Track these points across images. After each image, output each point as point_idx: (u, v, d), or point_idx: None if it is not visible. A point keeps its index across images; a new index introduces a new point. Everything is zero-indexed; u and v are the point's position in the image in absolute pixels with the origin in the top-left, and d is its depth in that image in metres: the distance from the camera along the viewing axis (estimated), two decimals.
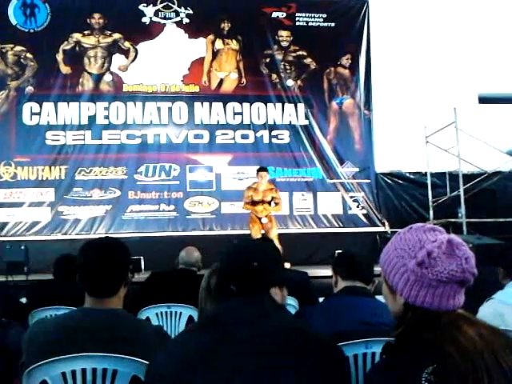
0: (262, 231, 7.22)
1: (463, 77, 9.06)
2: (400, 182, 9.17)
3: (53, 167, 8.43)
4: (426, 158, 8.64)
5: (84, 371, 1.56)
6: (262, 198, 7.07)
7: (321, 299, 2.51)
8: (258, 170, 7.14)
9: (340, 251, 2.14)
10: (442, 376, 1.01)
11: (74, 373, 1.56)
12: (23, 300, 3.52)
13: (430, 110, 8.67)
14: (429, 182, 8.66)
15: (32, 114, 8.51)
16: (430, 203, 8.59)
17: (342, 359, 1.38)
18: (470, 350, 1.03)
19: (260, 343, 1.29)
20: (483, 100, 9.38)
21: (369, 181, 9.12)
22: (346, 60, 9.34)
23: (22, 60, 8.53)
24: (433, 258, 1.10)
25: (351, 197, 9.04)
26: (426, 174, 8.76)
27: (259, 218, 7.21)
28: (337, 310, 1.92)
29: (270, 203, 7.00)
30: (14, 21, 8.58)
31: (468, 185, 8.01)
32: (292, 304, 3.04)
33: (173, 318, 3.01)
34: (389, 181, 9.17)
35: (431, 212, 8.58)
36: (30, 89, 8.54)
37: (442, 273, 1.09)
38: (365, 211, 9.01)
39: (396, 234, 1.22)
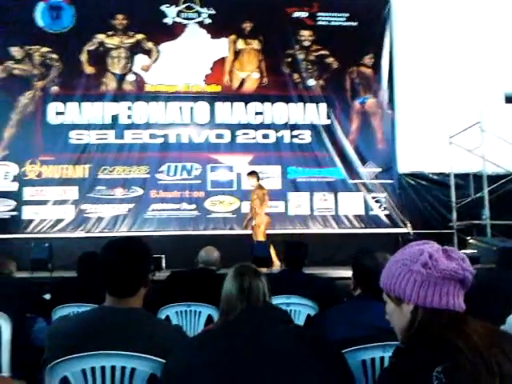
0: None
1: (489, 76, 8.90)
2: (423, 182, 9.04)
3: (76, 166, 8.57)
4: (450, 158, 8.51)
5: (103, 368, 1.59)
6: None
7: None
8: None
9: (360, 259, 2.10)
10: (453, 372, 1.03)
11: (93, 370, 1.59)
12: (47, 296, 3.59)
13: (455, 110, 8.54)
14: (452, 183, 8.54)
15: (57, 113, 8.66)
16: (453, 205, 8.47)
17: (344, 362, 1.46)
18: (480, 344, 1.07)
19: (271, 351, 1.36)
20: (510, 99, 9.21)
21: (392, 181, 9.02)
22: (368, 59, 9.26)
23: (47, 61, 8.69)
24: (434, 259, 1.19)
25: (373, 197, 8.96)
26: (449, 174, 8.63)
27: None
28: (354, 313, 1.91)
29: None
30: (40, 23, 8.75)
31: (492, 186, 7.87)
32: (312, 306, 3.04)
33: (192, 316, 3.03)
34: (411, 181, 9.05)
35: (454, 213, 8.45)
36: (54, 89, 8.70)
37: (445, 270, 1.17)
38: (387, 212, 8.92)
39: (392, 257, 1.31)
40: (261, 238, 7.37)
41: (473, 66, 8.82)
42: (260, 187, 7.52)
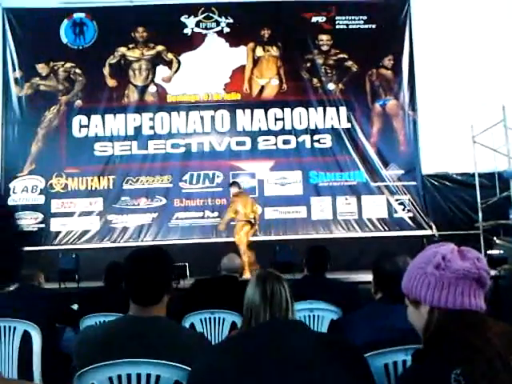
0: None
1: (511, 72, 8.74)
2: (447, 183, 8.92)
3: (101, 177, 8.74)
4: (474, 158, 8.38)
5: (129, 376, 1.63)
6: None
7: None
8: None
9: (380, 263, 2.11)
10: (472, 374, 1.04)
11: (119, 377, 1.63)
12: (75, 307, 3.67)
13: (477, 109, 8.41)
14: (477, 182, 8.39)
15: (81, 126, 8.86)
16: (479, 205, 8.32)
17: (367, 365, 1.47)
18: (498, 345, 1.08)
19: (293, 356, 1.38)
20: None
21: (415, 183, 8.92)
22: (388, 61, 9.21)
23: (71, 76, 8.92)
24: (448, 260, 1.20)
25: (396, 200, 8.87)
26: (473, 174, 8.49)
27: None
28: (375, 317, 1.91)
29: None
30: (64, 39, 9.01)
31: None
32: (335, 311, 3.03)
33: (216, 323, 3.06)
34: (435, 182, 8.93)
35: (480, 214, 8.29)
36: (78, 103, 8.91)
37: (458, 270, 1.18)
38: (411, 214, 8.82)
39: (412, 260, 1.33)
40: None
41: (494, 63, 8.67)
42: (234, 195, 7.54)
